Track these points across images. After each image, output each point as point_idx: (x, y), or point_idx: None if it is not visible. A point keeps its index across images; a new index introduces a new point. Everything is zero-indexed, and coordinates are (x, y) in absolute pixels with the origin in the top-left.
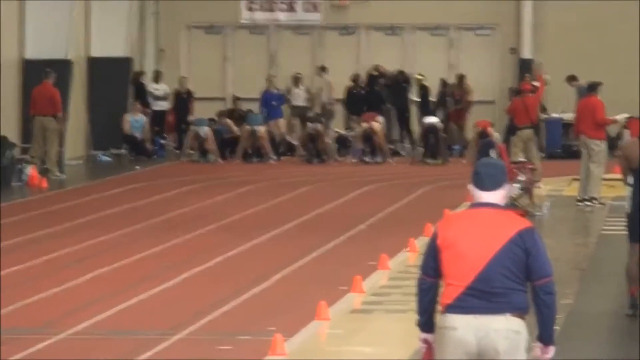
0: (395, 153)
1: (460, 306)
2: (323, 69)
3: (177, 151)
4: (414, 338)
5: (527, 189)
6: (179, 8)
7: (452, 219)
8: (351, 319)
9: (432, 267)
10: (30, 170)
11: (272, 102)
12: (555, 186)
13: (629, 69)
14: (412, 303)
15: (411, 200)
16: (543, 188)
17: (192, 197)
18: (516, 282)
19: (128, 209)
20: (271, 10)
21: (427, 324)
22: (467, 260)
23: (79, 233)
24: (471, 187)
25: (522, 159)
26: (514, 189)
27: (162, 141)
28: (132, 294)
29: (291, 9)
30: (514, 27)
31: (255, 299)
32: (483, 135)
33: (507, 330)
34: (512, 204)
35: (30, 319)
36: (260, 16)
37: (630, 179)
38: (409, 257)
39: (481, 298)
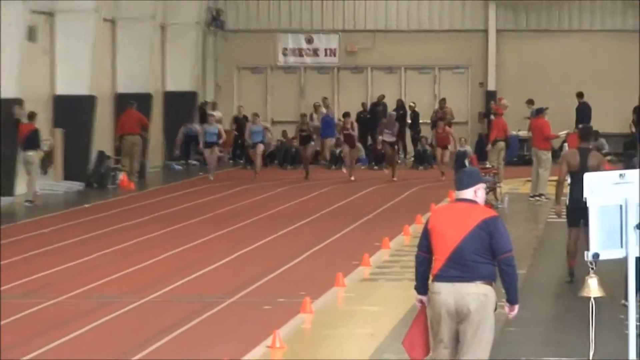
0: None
1: (442, 275)
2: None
3: (231, 161)
4: (409, 299)
5: (492, 188)
6: (232, 53)
7: (439, 210)
8: (361, 285)
9: (425, 245)
10: (121, 176)
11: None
12: (513, 185)
13: (568, 96)
14: (408, 274)
15: (405, 196)
16: (504, 187)
17: (241, 196)
18: (483, 257)
19: (192, 205)
20: (301, 55)
21: (421, 288)
22: (446, 240)
23: (157, 223)
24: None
25: (488, 165)
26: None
27: (219, 154)
28: (196, 269)
29: (315, 54)
30: (482, 67)
31: (289, 272)
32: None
33: (477, 294)
34: None
35: (120, 288)
36: (292, 60)
37: (569, 179)
38: (405, 239)
39: (456, 269)
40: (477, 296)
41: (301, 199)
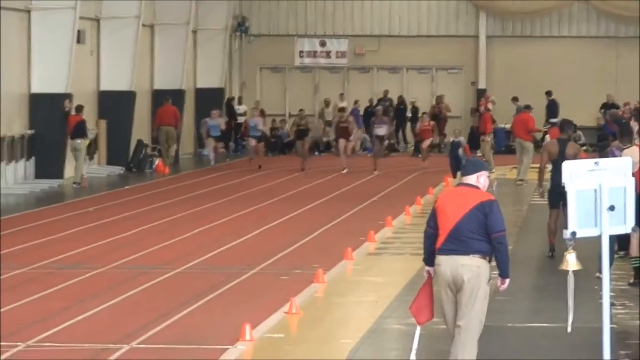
0: (395, 150)
1: (443, 249)
2: (342, 96)
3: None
4: (410, 271)
5: None
6: (255, 55)
7: (445, 192)
8: (367, 259)
9: (432, 222)
10: (157, 162)
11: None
12: (501, 172)
13: (560, 92)
14: (408, 248)
15: (406, 181)
16: (494, 173)
17: (262, 179)
18: (478, 234)
19: (221, 187)
20: (315, 57)
21: (429, 259)
22: (448, 218)
23: (190, 202)
24: (459, 174)
25: (480, 154)
26: None
27: (243, 143)
28: (222, 244)
29: (328, 56)
30: (473, 67)
31: (304, 246)
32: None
33: (470, 265)
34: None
35: (156, 259)
36: (307, 61)
37: (549, 166)
38: (406, 219)
39: (454, 244)
40: (470, 267)
41: (313, 183)
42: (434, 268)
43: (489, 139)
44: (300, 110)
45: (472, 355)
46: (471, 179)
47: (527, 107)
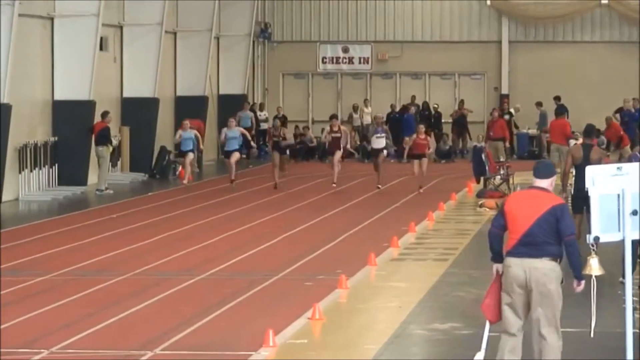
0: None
1: (515, 252)
2: (366, 102)
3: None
4: (432, 277)
5: (505, 179)
6: (278, 61)
7: (515, 195)
8: (391, 264)
9: (500, 223)
10: (180, 168)
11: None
12: (523, 177)
13: (571, 98)
14: (432, 254)
15: (429, 186)
16: (517, 178)
17: (281, 187)
18: (549, 238)
19: (243, 194)
20: (338, 63)
21: (497, 258)
22: (520, 222)
23: (212, 209)
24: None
25: (502, 159)
26: (497, 179)
27: (266, 149)
28: (245, 250)
29: (350, 62)
30: (496, 73)
31: (328, 252)
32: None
33: (542, 268)
34: (495, 189)
35: (179, 266)
36: (330, 67)
37: (573, 171)
38: (429, 224)
39: (526, 247)
40: (543, 270)
41: (337, 190)
42: (503, 269)
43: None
44: (275, 117)
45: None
46: (545, 182)
47: (562, 113)
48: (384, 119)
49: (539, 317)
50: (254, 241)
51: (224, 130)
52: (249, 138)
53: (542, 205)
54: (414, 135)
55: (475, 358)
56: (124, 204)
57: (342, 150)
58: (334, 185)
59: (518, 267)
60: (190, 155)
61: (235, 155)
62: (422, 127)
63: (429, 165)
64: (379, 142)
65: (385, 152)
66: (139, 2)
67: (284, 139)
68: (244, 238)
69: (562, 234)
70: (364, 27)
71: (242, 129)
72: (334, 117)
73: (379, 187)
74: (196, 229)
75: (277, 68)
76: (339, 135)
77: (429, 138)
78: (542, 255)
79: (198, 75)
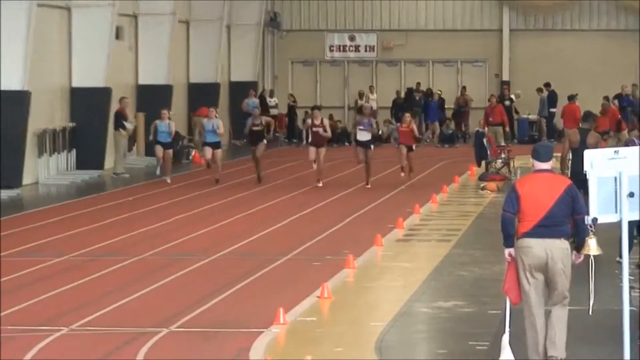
0: (423, 141)
1: (534, 233)
2: (372, 88)
3: (286, 140)
4: (436, 257)
5: (506, 163)
6: (287, 49)
7: (526, 179)
8: (396, 245)
9: (514, 208)
10: (194, 153)
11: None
12: (524, 161)
13: (569, 84)
14: (435, 235)
15: (433, 170)
16: (517, 162)
17: (292, 170)
18: (566, 218)
19: (253, 177)
20: (344, 51)
21: (510, 242)
22: (539, 204)
23: (224, 192)
24: (532, 160)
25: (503, 144)
26: (498, 162)
27: (276, 135)
28: (256, 231)
29: (357, 50)
30: (497, 60)
31: (335, 234)
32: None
33: (562, 247)
34: (497, 172)
35: (192, 247)
36: (337, 55)
37: (570, 155)
38: (432, 206)
39: (547, 227)
40: (562, 250)
41: (343, 173)
42: (521, 250)
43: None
44: (255, 108)
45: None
46: (548, 164)
47: (571, 98)
48: (374, 108)
49: (556, 293)
50: (263, 223)
51: (205, 121)
52: (220, 131)
53: (558, 187)
54: (398, 124)
55: (502, 342)
56: (140, 187)
57: (325, 146)
58: (319, 184)
59: (539, 247)
60: (219, 153)
61: (218, 154)
62: (407, 116)
63: (435, 150)
64: (363, 134)
65: (372, 147)
66: None
67: (262, 131)
68: (253, 220)
69: (577, 212)
70: (370, 16)
71: (220, 121)
72: (315, 108)
73: (367, 187)
74: (208, 212)
75: (286, 56)
76: (320, 129)
77: (413, 126)
78: (560, 235)
79: (210, 63)
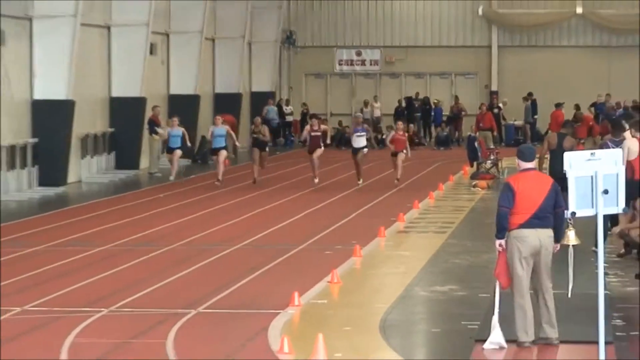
0: (421, 144)
1: (529, 224)
2: (376, 98)
3: (300, 143)
4: (433, 247)
5: (495, 163)
6: (301, 63)
7: (517, 177)
8: (397, 236)
9: (509, 202)
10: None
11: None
12: (511, 162)
13: (550, 94)
14: (432, 227)
15: (430, 170)
16: (504, 162)
17: (304, 170)
18: (552, 210)
19: (269, 177)
20: (352, 65)
21: (502, 234)
22: (532, 199)
23: (244, 190)
24: (518, 160)
25: (492, 147)
26: (488, 163)
27: (291, 138)
28: (273, 224)
29: (363, 64)
30: (487, 73)
31: (344, 226)
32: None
33: (550, 236)
34: (487, 172)
35: (216, 238)
36: (345, 68)
37: (548, 155)
38: (430, 202)
39: (539, 219)
40: (550, 238)
41: (348, 174)
42: (515, 241)
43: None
44: (256, 117)
45: None
46: (532, 164)
47: (558, 105)
48: (362, 118)
49: (545, 274)
50: (278, 218)
51: (211, 127)
52: (233, 136)
53: (545, 183)
54: (392, 132)
55: (492, 322)
56: (171, 185)
57: (322, 148)
58: (315, 181)
59: (534, 236)
60: (223, 153)
61: (222, 154)
62: (400, 124)
63: (432, 153)
64: (360, 141)
65: (365, 150)
66: (183, 13)
67: (264, 135)
68: (268, 216)
69: (558, 205)
70: (374, 34)
71: (228, 127)
72: (314, 116)
73: (359, 184)
74: (231, 207)
75: (300, 69)
76: (319, 134)
77: (407, 134)
78: (549, 225)
79: (233, 75)
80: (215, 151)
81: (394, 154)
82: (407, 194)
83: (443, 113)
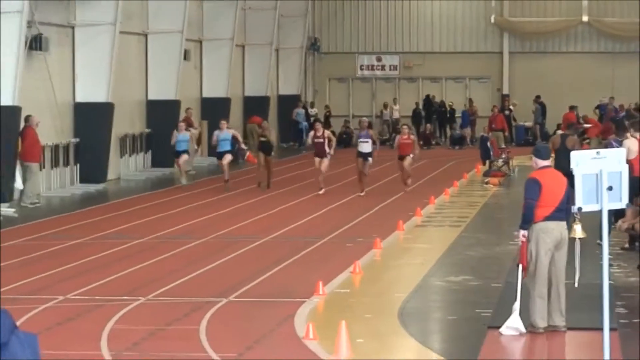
0: (437, 144)
1: (554, 217)
2: (395, 100)
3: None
4: (449, 239)
5: (506, 162)
6: (325, 68)
7: (540, 173)
8: (415, 230)
9: (536, 196)
10: (247, 154)
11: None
12: (521, 160)
13: (558, 97)
14: (448, 221)
15: (445, 168)
16: (515, 161)
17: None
18: (566, 205)
19: (295, 175)
20: (372, 70)
21: (528, 225)
22: (556, 194)
23: (272, 186)
24: (534, 158)
25: (503, 146)
26: (500, 162)
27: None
28: (299, 219)
29: (383, 69)
30: (498, 77)
31: (364, 221)
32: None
33: (566, 229)
34: (498, 170)
35: (245, 231)
36: (367, 73)
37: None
38: (445, 198)
39: (560, 212)
40: (567, 231)
41: (371, 170)
42: (542, 233)
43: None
44: (264, 121)
45: None
46: (549, 161)
47: (572, 108)
48: (367, 122)
49: (563, 265)
50: (301, 213)
51: (216, 132)
52: (240, 139)
53: (562, 180)
54: (398, 136)
55: (513, 307)
56: (203, 182)
57: (328, 157)
58: (321, 192)
59: (558, 228)
60: (228, 157)
61: (227, 157)
62: (405, 128)
63: (447, 152)
64: (364, 146)
65: (370, 159)
66: (215, 21)
67: (269, 141)
68: (293, 211)
69: (570, 201)
70: (394, 41)
71: (233, 131)
72: (317, 121)
73: (361, 195)
74: (259, 202)
75: (324, 74)
76: (321, 140)
77: (412, 137)
78: (566, 218)
79: (262, 79)
80: (221, 155)
81: (401, 158)
82: (424, 190)
83: (456, 115)
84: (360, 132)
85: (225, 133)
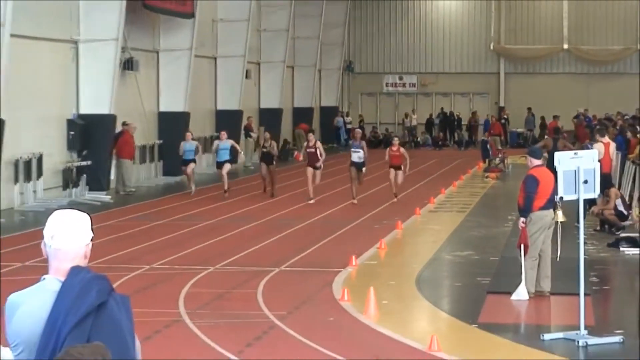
0: (446, 146)
1: (546, 206)
2: (413, 111)
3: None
4: (456, 222)
5: (502, 160)
6: (357, 85)
7: (536, 171)
8: (429, 214)
9: (535, 189)
10: (295, 153)
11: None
12: (514, 159)
13: (547, 110)
14: (455, 208)
15: (451, 166)
16: (509, 160)
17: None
18: None
19: (334, 170)
20: (395, 86)
21: (527, 214)
22: (549, 186)
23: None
24: (529, 158)
25: (500, 148)
26: (497, 160)
27: (349, 142)
28: (334, 206)
29: (404, 86)
30: (496, 93)
31: (388, 208)
32: (484, 140)
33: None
34: (496, 167)
35: (292, 215)
36: (391, 89)
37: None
38: (453, 189)
39: (551, 202)
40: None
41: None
42: (538, 218)
43: (497, 138)
44: (266, 131)
45: None
46: (540, 161)
47: (556, 117)
48: (361, 133)
49: (550, 242)
50: (334, 203)
51: (216, 142)
52: (238, 149)
53: (552, 176)
54: (388, 148)
55: (523, 276)
56: (257, 176)
57: (319, 170)
58: (311, 202)
59: (550, 215)
60: (227, 167)
61: (226, 167)
62: (395, 140)
63: (454, 153)
64: (356, 156)
65: (364, 169)
66: (270, 47)
67: (271, 150)
68: (327, 202)
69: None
70: (412, 63)
71: (232, 141)
72: (310, 131)
73: (354, 202)
74: (305, 192)
75: (357, 89)
76: (313, 150)
77: (401, 149)
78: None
79: (307, 94)
80: (220, 164)
81: (393, 167)
82: (436, 182)
83: (463, 123)
84: (354, 143)
85: (225, 143)
